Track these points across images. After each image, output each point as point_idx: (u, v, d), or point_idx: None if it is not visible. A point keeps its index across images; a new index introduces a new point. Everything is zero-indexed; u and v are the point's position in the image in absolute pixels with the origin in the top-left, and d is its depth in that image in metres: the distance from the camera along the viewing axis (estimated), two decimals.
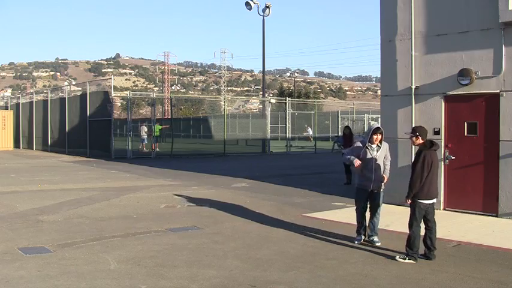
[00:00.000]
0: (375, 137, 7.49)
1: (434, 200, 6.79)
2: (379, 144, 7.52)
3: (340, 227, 8.81)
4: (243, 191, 13.43)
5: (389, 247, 7.25)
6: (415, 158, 6.72)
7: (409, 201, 6.65)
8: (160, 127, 30.73)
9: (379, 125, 7.85)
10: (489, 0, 9.49)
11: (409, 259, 6.55)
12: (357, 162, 7.47)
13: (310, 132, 41.93)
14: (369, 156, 7.48)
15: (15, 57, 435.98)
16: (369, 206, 7.72)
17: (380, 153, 7.51)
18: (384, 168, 7.56)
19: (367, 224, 7.69)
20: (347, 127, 15.93)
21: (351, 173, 14.12)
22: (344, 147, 14.55)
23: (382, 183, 7.56)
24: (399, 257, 6.65)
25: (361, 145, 7.63)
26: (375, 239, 7.55)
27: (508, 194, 9.35)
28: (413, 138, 6.81)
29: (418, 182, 6.53)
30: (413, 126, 6.85)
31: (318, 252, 7.06)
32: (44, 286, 5.52)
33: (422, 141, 6.75)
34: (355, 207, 7.85)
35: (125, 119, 30.64)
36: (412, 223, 6.65)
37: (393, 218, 9.36)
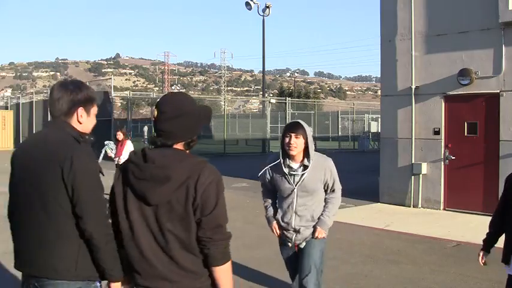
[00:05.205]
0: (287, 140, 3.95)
1: None
2: (305, 160, 4.02)
3: (339, 227, 8.79)
4: (243, 191, 13.42)
5: (389, 247, 7.25)
6: None
7: None
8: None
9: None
10: (489, 0, 9.50)
11: None
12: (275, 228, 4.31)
13: None
14: (286, 185, 4.10)
15: (15, 57, 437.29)
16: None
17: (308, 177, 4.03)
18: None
19: None
20: (122, 128, 11.83)
21: None
22: (116, 154, 11.17)
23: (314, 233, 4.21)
24: None
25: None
26: None
27: None
28: None
29: None
30: None
31: None
32: None
33: None
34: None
35: (125, 119, 30.66)
36: None
37: (393, 218, 9.37)
